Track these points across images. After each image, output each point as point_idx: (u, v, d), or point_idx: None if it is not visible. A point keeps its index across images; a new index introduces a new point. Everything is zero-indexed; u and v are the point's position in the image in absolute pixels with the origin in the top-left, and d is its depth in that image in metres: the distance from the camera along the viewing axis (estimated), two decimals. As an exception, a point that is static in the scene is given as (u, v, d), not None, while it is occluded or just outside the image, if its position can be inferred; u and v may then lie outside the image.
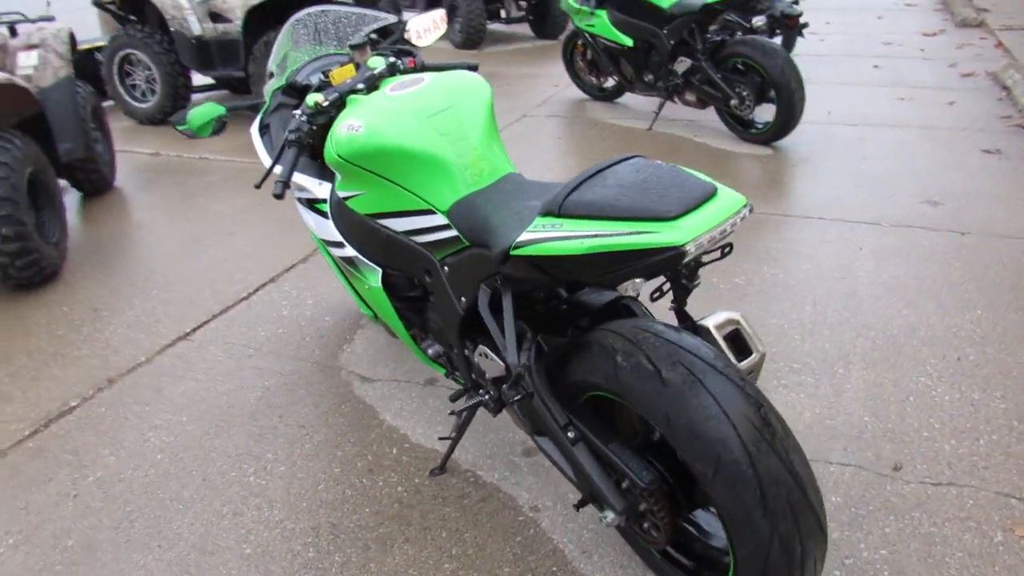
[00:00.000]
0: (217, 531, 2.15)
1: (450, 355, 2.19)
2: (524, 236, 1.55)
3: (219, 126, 2.35)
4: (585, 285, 1.94)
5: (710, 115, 5.54)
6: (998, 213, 3.84)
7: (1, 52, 3.98)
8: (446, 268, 1.96)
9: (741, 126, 5.15)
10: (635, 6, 5.21)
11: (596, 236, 1.42)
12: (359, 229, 2.19)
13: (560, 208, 1.51)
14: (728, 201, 1.41)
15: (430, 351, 2.28)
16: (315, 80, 2.33)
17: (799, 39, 6.80)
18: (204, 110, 2.30)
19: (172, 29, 5.85)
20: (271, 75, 2.59)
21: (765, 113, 4.98)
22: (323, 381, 2.78)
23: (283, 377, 2.81)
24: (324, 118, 2.16)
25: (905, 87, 6.29)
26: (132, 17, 6.16)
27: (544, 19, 9.15)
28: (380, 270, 2.21)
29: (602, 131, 5.55)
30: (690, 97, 5.24)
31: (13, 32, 4.35)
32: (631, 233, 1.38)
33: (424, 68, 2.39)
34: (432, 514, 2.17)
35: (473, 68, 2.48)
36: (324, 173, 2.41)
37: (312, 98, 2.13)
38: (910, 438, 2.35)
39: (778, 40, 6.36)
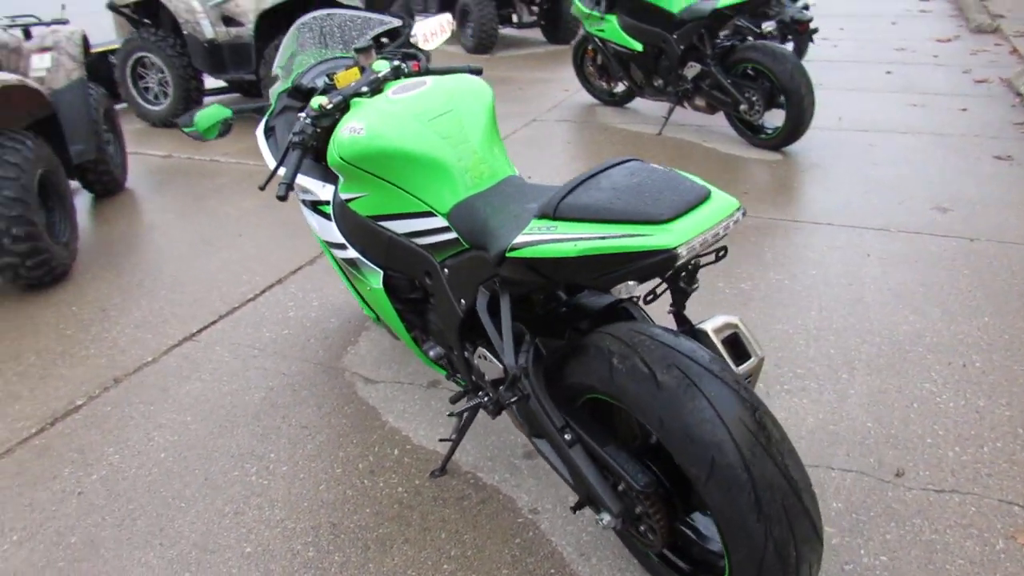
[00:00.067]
0: (218, 530, 2.16)
1: (451, 357, 2.20)
2: (520, 238, 1.55)
3: (225, 128, 2.37)
4: (582, 288, 1.94)
5: (720, 120, 5.53)
6: (1008, 220, 3.81)
7: (15, 54, 4.02)
8: (446, 270, 1.97)
9: (751, 131, 5.14)
10: (645, 11, 5.22)
11: (589, 239, 1.43)
12: (361, 231, 2.21)
13: (555, 211, 1.51)
14: (721, 205, 1.41)
15: (431, 353, 2.28)
16: (320, 83, 2.35)
17: (811, 45, 6.79)
18: (210, 112, 2.32)
19: (185, 33, 5.90)
20: (276, 78, 2.62)
21: (775, 118, 4.98)
22: (327, 382, 2.79)
23: (287, 378, 2.83)
24: (328, 121, 2.18)
25: (917, 93, 6.26)
26: (146, 21, 6.22)
27: (556, 24, 9.17)
28: (381, 272, 2.23)
29: (611, 136, 5.55)
30: (700, 102, 5.24)
31: (27, 35, 4.41)
32: (624, 236, 1.38)
33: (428, 72, 2.41)
34: (432, 515, 2.18)
35: (477, 72, 2.49)
36: (328, 175, 2.43)
37: (316, 101, 2.15)
38: (913, 444, 2.34)
39: (790, 46, 6.36)
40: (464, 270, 1.90)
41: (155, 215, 4.47)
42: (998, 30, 8.49)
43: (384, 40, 5.45)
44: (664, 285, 1.78)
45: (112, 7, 6.17)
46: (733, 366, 1.71)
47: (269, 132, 2.60)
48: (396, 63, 2.32)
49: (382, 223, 2.10)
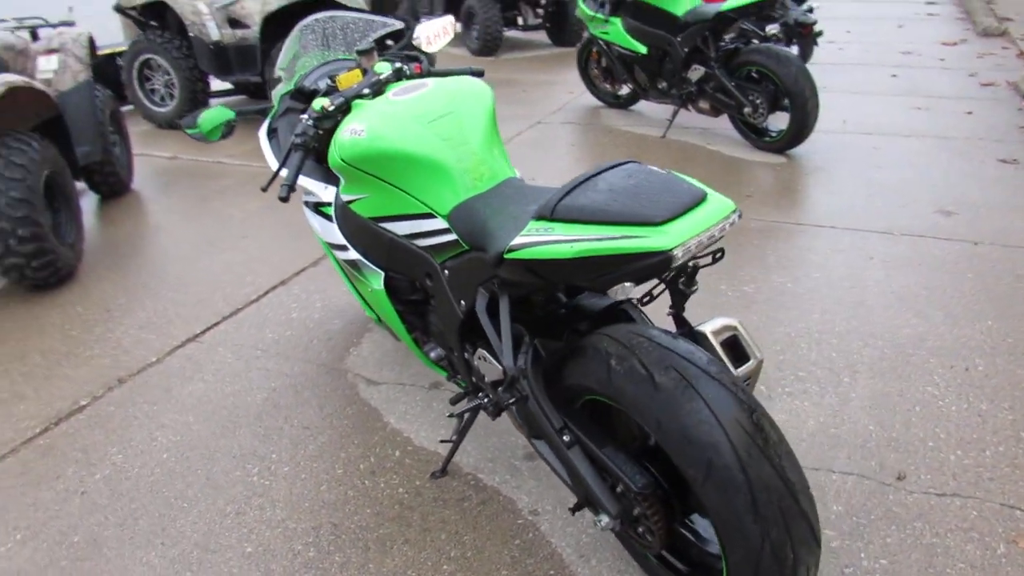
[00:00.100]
0: (220, 530, 2.17)
1: (451, 358, 2.21)
2: (517, 240, 1.56)
3: (228, 130, 2.38)
4: (582, 289, 1.95)
5: (724, 123, 5.53)
6: (1013, 223, 3.80)
7: (22, 56, 4.05)
8: (446, 272, 1.98)
9: (755, 134, 5.14)
10: (649, 14, 5.22)
11: (586, 240, 1.43)
12: (362, 232, 2.22)
13: (552, 212, 1.52)
14: (717, 206, 1.42)
15: (432, 354, 2.29)
16: (322, 85, 2.36)
17: (816, 48, 6.78)
18: (213, 114, 2.33)
19: (191, 35, 5.93)
20: (279, 79, 2.63)
21: (779, 121, 4.97)
22: (329, 383, 2.80)
23: (290, 379, 2.84)
24: (330, 122, 2.19)
25: (922, 96, 6.25)
26: (153, 23, 6.25)
27: (561, 26, 9.17)
28: (382, 273, 2.24)
29: (616, 138, 5.56)
30: (704, 105, 5.24)
31: (35, 36, 4.44)
32: (620, 238, 1.39)
33: (430, 74, 2.42)
34: (432, 516, 2.18)
35: (479, 74, 2.50)
36: (330, 177, 2.44)
37: (318, 103, 2.16)
38: (915, 448, 2.34)
39: (795, 50, 6.35)
40: (464, 271, 1.91)
41: (160, 216, 4.49)
42: (1005, 33, 8.47)
43: (389, 43, 5.47)
44: (662, 287, 1.78)
45: (119, 9, 6.20)
46: (732, 368, 1.72)
47: (272, 134, 2.61)
48: (398, 65, 2.33)
49: (383, 224, 2.11)
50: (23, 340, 3.18)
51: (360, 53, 2.35)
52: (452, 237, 1.91)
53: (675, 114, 5.49)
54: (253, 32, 5.89)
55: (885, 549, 1.99)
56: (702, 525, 1.84)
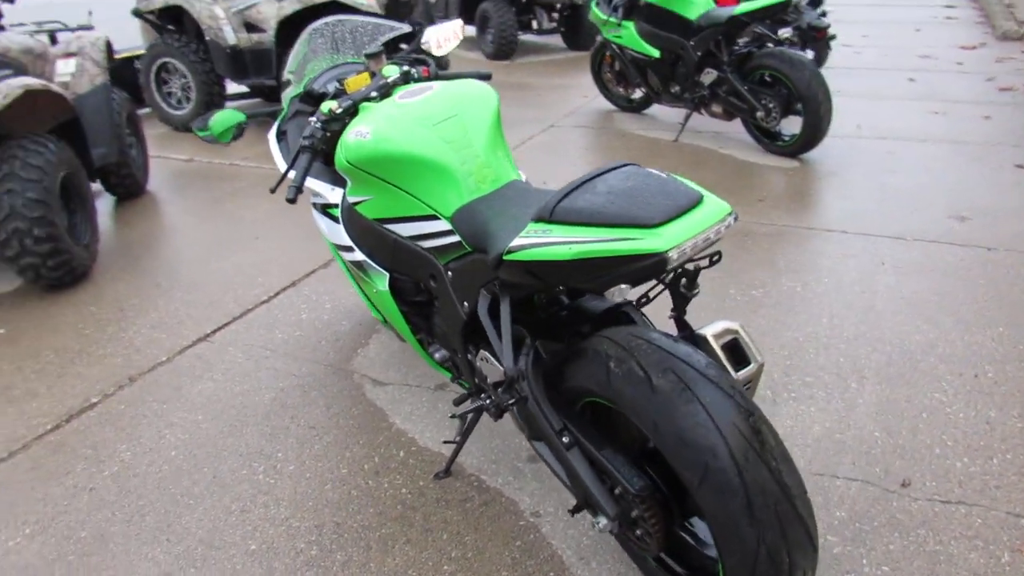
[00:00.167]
0: (224, 527, 2.19)
1: (455, 359, 2.22)
2: (516, 241, 1.57)
3: (238, 132, 2.41)
4: (581, 291, 1.96)
5: (737, 127, 5.52)
6: (1027, 229, 3.77)
7: (41, 59, 4.11)
8: (450, 273, 1.99)
9: (767, 138, 5.13)
10: (662, 17, 5.22)
11: (582, 242, 1.44)
12: (367, 234, 2.23)
13: (551, 214, 1.53)
14: (713, 209, 1.42)
15: (436, 355, 2.30)
16: (331, 88, 2.38)
17: (832, 52, 6.75)
18: (225, 117, 2.37)
19: (208, 39, 5.99)
20: (288, 83, 2.66)
21: (792, 125, 4.96)
22: (336, 384, 2.82)
23: (298, 379, 2.86)
24: (338, 125, 2.21)
25: (939, 101, 6.20)
26: (170, 27, 6.31)
27: (576, 30, 9.18)
28: (388, 274, 2.25)
29: (628, 142, 5.56)
30: (716, 108, 5.23)
31: (53, 40, 4.51)
32: (616, 240, 1.40)
33: (438, 77, 2.44)
34: (434, 516, 2.19)
35: (486, 77, 2.52)
36: (337, 179, 2.46)
37: (327, 105, 2.19)
38: (921, 455, 2.32)
39: (810, 54, 6.33)
40: (466, 273, 1.92)
41: (175, 218, 4.54)
42: (1024, 37, 8.39)
43: (403, 46, 5.50)
44: (658, 289, 1.79)
45: (137, 13, 6.27)
46: (732, 372, 1.72)
47: (281, 136, 2.64)
48: (405, 68, 2.36)
49: (388, 226, 2.13)
50: (37, 338, 3.23)
51: (368, 56, 2.37)
52: (455, 239, 1.93)
53: (687, 118, 5.48)
54: (269, 36, 5.94)
55: (888, 556, 1.98)
56: (701, 528, 1.84)
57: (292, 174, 2.28)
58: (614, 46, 5.75)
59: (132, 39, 8.57)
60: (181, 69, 6.20)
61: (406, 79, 2.33)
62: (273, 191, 2.23)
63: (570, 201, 1.52)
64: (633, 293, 1.94)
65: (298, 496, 2.29)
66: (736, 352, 1.75)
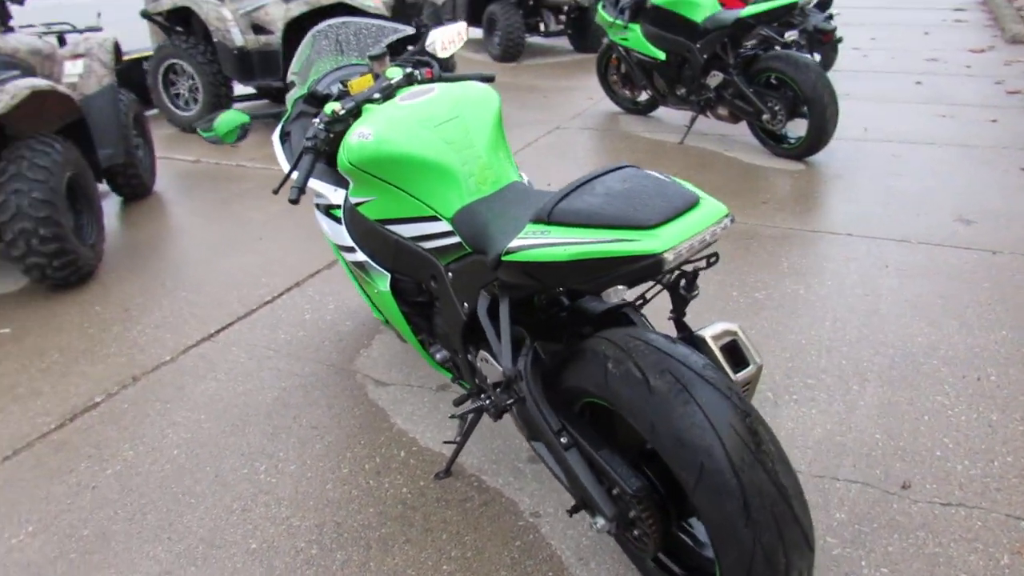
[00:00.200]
0: (226, 526, 2.20)
1: (456, 360, 2.23)
2: (514, 242, 1.58)
3: (243, 133, 2.43)
4: (577, 292, 1.96)
5: (742, 129, 5.52)
6: (1033, 232, 3.76)
7: (49, 60, 4.14)
8: (450, 274, 2.00)
9: (773, 141, 5.12)
10: (668, 20, 5.23)
11: (579, 243, 1.45)
12: (369, 234, 2.24)
13: (549, 215, 1.54)
14: (709, 211, 1.43)
15: (437, 356, 2.31)
16: (335, 89, 2.39)
17: (840, 55, 6.74)
18: (229, 118, 2.38)
19: (215, 40, 6.02)
20: (292, 84, 2.67)
21: (798, 128, 4.95)
22: (338, 384, 2.83)
23: (300, 379, 2.87)
24: (341, 126, 2.22)
25: (946, 104, 6.18)
26: (178, 28, 6.35)
27: (583, 33, 9.19)
28: (389, 275, 2.26)
29: (633, 144, 5.56)
30: (722, 111, 5.23)
31: (62, 42, 4.54)
32: (612, 241, 1.40)
33: (441, 79, 2.45)
34: (434, 516, 2.20)
35: (489, 79, 2.53)
36: (340, 180, 2.47)
37: (330, 107, 2.20)
38: (922, 457, 2.32)
39: (817, 57, 6.32)
40: (466, 274, 1.93)
41: (181, 218, 4.56)
42: (1033, 40, 8.35)
43: (410, 48, 5.53)
44: (657, 290, 1.79)
45: (146, 15, 6.31)
46: (731, 373, 1.72)
47: (285, 137, 2.65)
48: (409, 70, 2.36)
49: (389, 227, 2.14)
50: (43, 337, 3.25)
51: (372, 58, 2.38)
52: (456, 240, 1.93)
53: (693, 120, 5.48)
54: (276, 38, 5.97)
55: (887, 558, 1.97)
56: (700, 529, 1.84)
57: (295, 175, 2.29)
58: (620, 48, 5.76)
59: (141, 41, 8.62)
60: (189, 70, 6.24)
61: (409, 81, 2.34)
62: (276, 192, 2.25)
63: (568, 203, 1.53)
64: (632, 294, 1.94)
65: (299, 495, 2.30)
66: (735, 354, 1.75)
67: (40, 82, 3.42)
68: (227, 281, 3.68)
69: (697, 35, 5.06)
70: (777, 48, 4.93)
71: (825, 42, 5.48)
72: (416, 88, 2.21)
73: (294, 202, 2.08)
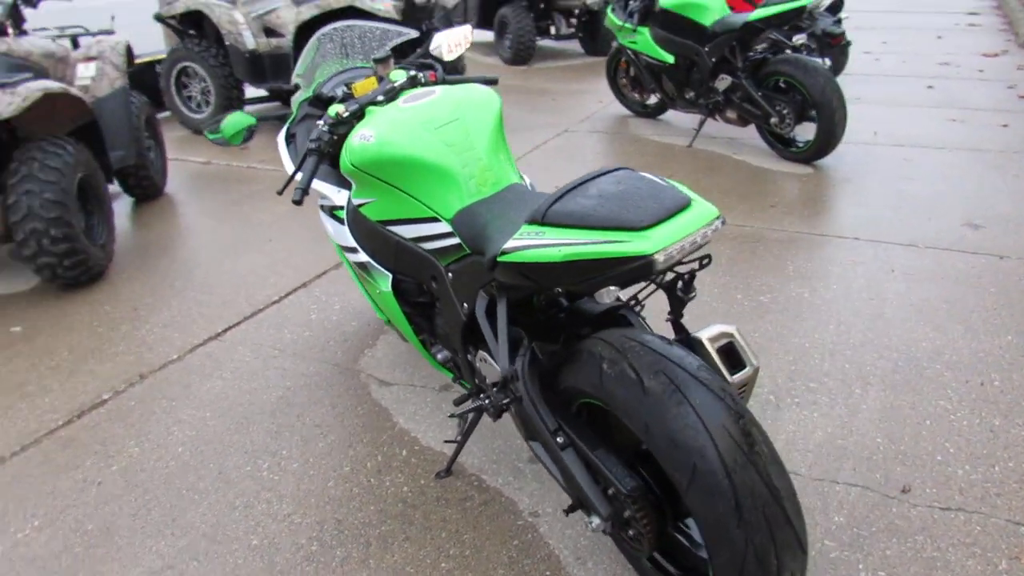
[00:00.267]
0: (228, 522, 2.23)
1: (456, 360, 2.24)
2: (510, 243, 1.60)
3: (249, 135, 2.46)
4: (575, 293, 1.97)
5: (751, 133, 5.52)
6: (1041, 237, 3.74)
7: (62, 63, 4.19)
8: (450, 274, 2.02)
9: (781, 144, 5.12)
10: (677, 24, 5.23)
11: (572, 244, 1.46)
12: (371, 235, 2.27)
13: (544, 217, 1.55)
14: (700, 213, 1.44)
15: (439, 356, 2.33)
16: (339, 92, 2.42)
17: (851, 58, 6.71)
18: (236, 120, 2.41)
19: (227, 43, 6.07)
20: (297, 86, 2.70)
21: (806, 132, 4.95)
22: (342, 383, 2.85)
23: (305, 378, 2.90)
24: (345, 128, 2.24)
25: (958, 108, 6.15)
26: (191, 32, 6.41)
27: (594, 36, 9.21)
28: (391, 275, 2.28)
29: (642, 147, 5.56)
30: (731, 114, 5.23)
31: (75, 44, 4.59)
32: (604, 242, 1.42)
33: (444, 81, 2.47)
34: (434, 515, 2.22)
35: (492, 82, 2.55)
36: (343, 182, 2.50)
37: (334, 109, 2.22)
38: (922, 461, 2.31)
39: (827, 62, 6.30)
40: (466, 274, 1.95)
41: (191, 219, 4.61)
42: (1047, 45, 8.30)
43: (421, 50, 5.56)
44: (647, 292, 1.80)
45: (159, 18, 6.37)
46: (727, 375, 1.73)
47: (290, 139, 2.68)
48: (412, 73, 2.39)
49: (390, 228, 2.16)
50: (53, 336, 3.29)
51: (376, 61, 2.41)
52: (455, 241, 1.95)
53: (702, 124, 5.49)
54: (287, 41, 6.02)
55: (884, 561, 1.97)
56: (695, 529, 1.85)
57: (299, 176, 2.31)
58: (629, 52, 5.77)
59: (156, 44, 8.70)
60: (201, 73, 6.29)
61: (413, 83, 2.37)
62: (280, 193, 2.27)
63: (562, 204, 1.54)
64: (633, 297, 1.95)
65: (301, 493, 2.33)
66: (732, 356, 1.76)
67: (52, 84, 3.47)
68: (235, 281, 3.72)
69: (706, 38, 5.07)
70: (787, 52, 4.93)
71: (834, 45, 5.46)
72: (418, 90, 2.23)
73: (297, 203, 2.11)
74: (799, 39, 4.97)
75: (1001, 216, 4.03)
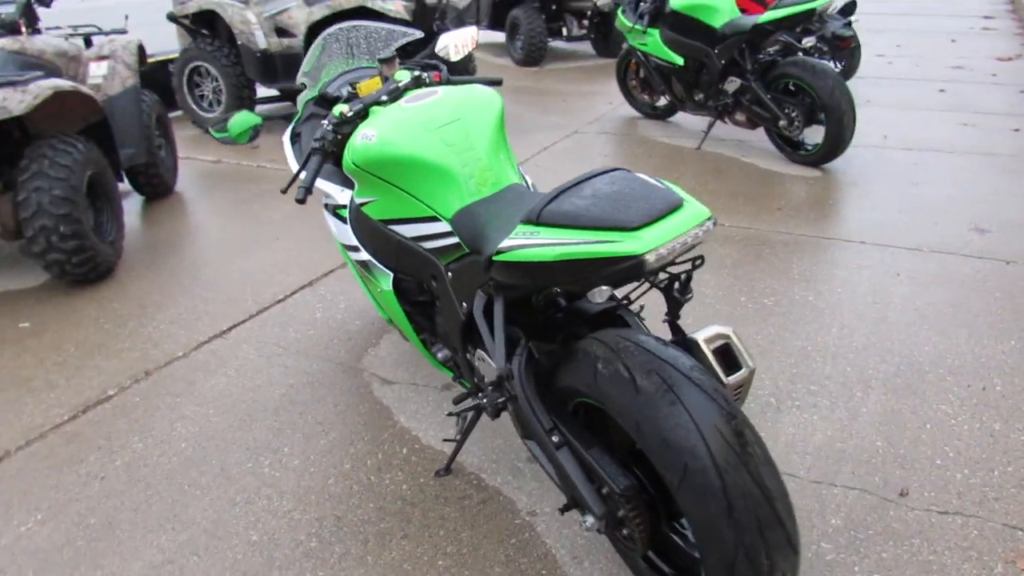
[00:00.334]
0: (228, 517, 2.25)
1: (456, 359, 2.26)
2: (505, 242, 1.61)
3: (254, 133, 2.48)
4: (569, 292, 1.98)
5: (760, 135, 5.51)
6: (1049, 242, 3.72)
7: (74, 62, 4.24)
8: (450, 274, 2.03)
9: (790, 147, 5.10)
10: (687, 25, 5.23)
11: (565, 244, 1.47)
12: (373, 234, 2.28)
13: (538, 217, 1.57)
14: (692, 213, 1.45)
15: (439, 355, 2.34)
16: (344, 92, 2.44)
17: (865, 61, 6.69)
18: (242, 119, 2.44)
19: (239, 43, 6.12)
20: (303, 86, 2.72)
21: (815, 135, 4.93)
22: (345, 381, 2.87)
23: (308, 376, 2.92)
24: (349, 128, 2.26)
25: (969, 112, 6.12)
26: (203, 31, 6.45)
27: (606, 37, 9.21)
28: (392, 274, 2.30)
29: (650, 149, 5.57)
30: (740, 117, 5.23)
31: (88, 43, 4.64)
32: (596, 242, 1.43)
33: (449, 82, 2.48)
34: (432, 513, 2.23)
35: (496, 83, 2.56)
36: (347, 181, 2.52)
37: (338, 108, 2.24)
38: (921, 465, 2.31)
39: (839, 66, 6.28)
40: (465, 273, 1.96)
41: (200, 217, 4.64)
42: (1062, 49, 8.24)
43: (425, 51, 5.58)
44: (643, 292, 1.81)
45: (172, 18, 6.42)
46: (723, 376, 1.73)
47: (295, 138, 2.70)
48: (417, 73, 2.40)
49: (391, 227, 2.18)
50: (60, 332, 3.33)
51: (381, 61, 2.42)
52: (455, 240, 1.97)
53: (711, 126, 5.48)
54: (298, 41, 6.06)
55: (880, 564, 1.97)
56: (689, 529, 1.85)
57: (303, 175, 2.33)
58: (639, 53, 5.77)
59: (169, 43, 8.76)
60: (213, 73, 6.34)
61: (417, 84, 2.38)
62: (284, 191, 2.29)
63: (556, 204, 1.55)
64: (623, 296, 1.96)
65: (301, 489, 2.35)
66: (728, 357, 1.76)
67: (63, 83, 3.51)
68: (242, 279, 3.74)
69: (715, 40, 5.07)
70: (800, 54, 4.92)
71: (843, 48, 5.44)
72: (420, 91, 2.24)
73: (300, 202, 2.12)
74: (809, 42, 4.95)
75: (1009, 221, 4.01)
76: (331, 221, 2.58)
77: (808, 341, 2.99)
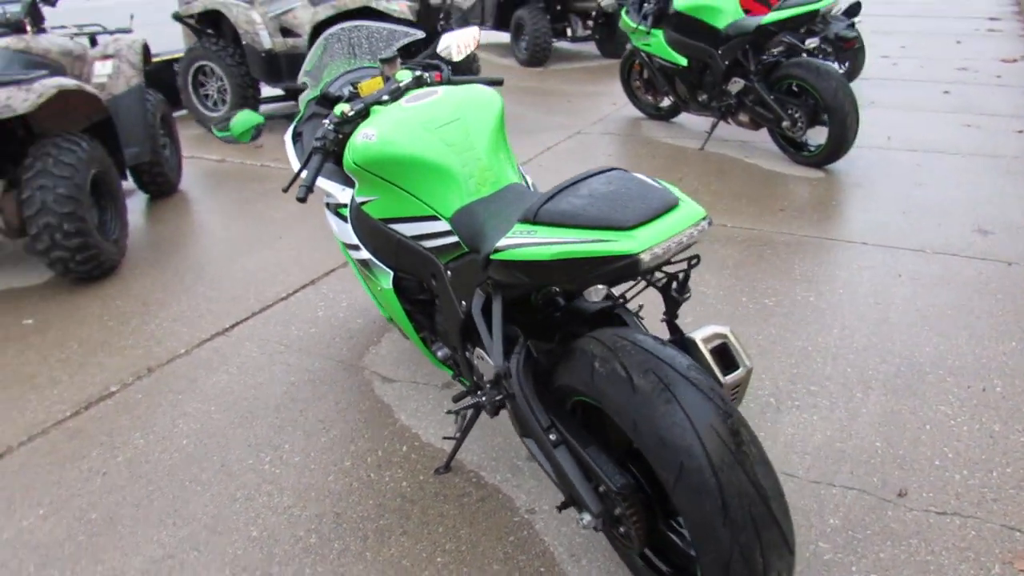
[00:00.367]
0: (229, 513, 2.26)
1: (456, 357, 2.27)
2: (502, 241, 1.62)
3: (256, 133, 2.50)
4: (569, 291, 1.99)
5: (763, 136, 5.51)
6: (1052, 244, 3.71)
7: (79, 61, 4.26)
8: (449, 272, 2.04)
9: (793, 148, 5.10)
10: (690, 26, 5.24)
11: (561, 243, 1.48)
12: (373, 233, 2.29)
13: (535, 216, 1.58)
14: (687, 213, 1.45)
15: (439, 353, 2.35)
16: (345, 91, 2.45)
17: (869, 63, 6.68)
18: (244, 118, 2.45)
19: (244, 43, 6.14)
20: (305, 85, 2.73)
21: (818, 136, 4.93)
22: (346, 379, 2.89)
23: (309, 374, 2.93)
24: (350, 127, 2.27)
25: (973, 114, 6.11)
26: (209, 31, 6.48)
27: (610, 38, 9.22)
28: (392, 273, 2.31)
29: (654, 149, 5.57)
30: (743, 118, 5.23)
31: (93, 43, 4.66)
32: (592, 241, 1.44)
33: (450, 82, 2.49)
34: (432, 510, 2.24)
35: (497, 83, 2.57)
36: (348, 180, 2.53)
37: (339, 108, 2.25)
38: (920, 466, 2.31)
39: (843, 67, 6.28)
40: (464, 272, 1.97)
41: (204, 216, 4.66)
42: (1068, 51, 8.22)
43: (437, 53, 5.60)
44: (636, 290, 1.81)
45: (177, 17, 6.45)
46: (720, 376, 1.74)
47: (297, 137, 2.72)
48: (418, 73, 2.41)
49: (392, 226, 2.19)
50: (64, 329, 3.35)
51: (383, 61, 2.43)
52: (454, 239, 1.98)
53: (714, 126, 5.48)
54: (303, 41, 6.08)
55: (877, 564, 1.97)
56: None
57: (304, 174, 2.35)
58: (643, 54, 5.78)
59: (175, 43, 8.80)
60: (218, 72, 6.36)
61: (418, 83, 2.39)
62: (285, 190, 2.30)
63: (553, 203, 1.56)
64: (619, 295, 1.97)
65: (301, 486, 2.36)
66: (725, 356, 1.77)
67: (67, 81, 3.53)
68: (245, 278, 3.76)
69: (719, 41, 5.07)
70: (805, 55, 4.92)
71: (846, 49, 5.44)
72: (421, 91, 2.25)
73: (301, 200, 2.14)
74: (812, 43, 4.94)
75: (1011, 223, 4.00)
76: (332, 220, 2.60)
77: (809, 341, 2.99)
